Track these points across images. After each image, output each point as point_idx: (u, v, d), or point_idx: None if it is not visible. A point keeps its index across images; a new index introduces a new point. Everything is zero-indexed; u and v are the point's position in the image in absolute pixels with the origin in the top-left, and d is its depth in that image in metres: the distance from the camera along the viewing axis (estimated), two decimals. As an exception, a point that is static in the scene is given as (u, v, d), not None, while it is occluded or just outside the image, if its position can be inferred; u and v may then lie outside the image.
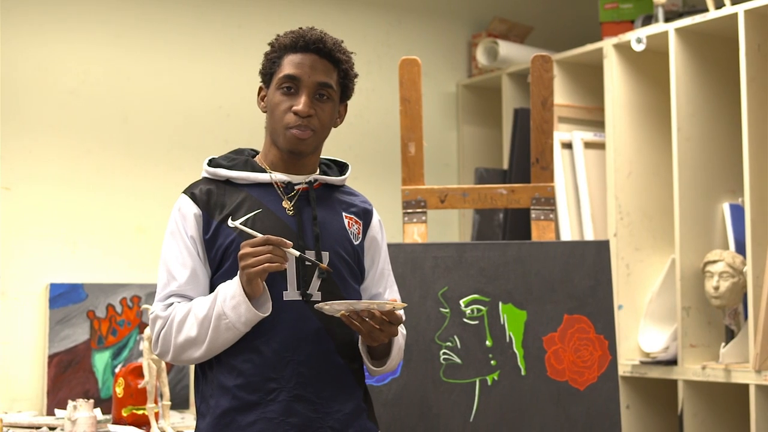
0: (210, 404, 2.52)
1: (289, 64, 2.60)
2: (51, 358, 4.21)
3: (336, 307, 2.46)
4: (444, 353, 3.24)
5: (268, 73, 2.64)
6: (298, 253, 2.49)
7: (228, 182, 2.61)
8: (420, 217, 3.53)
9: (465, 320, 3.26)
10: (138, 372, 3.76)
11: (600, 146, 4.68)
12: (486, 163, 5.18)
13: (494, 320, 3.27)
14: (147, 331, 3.61)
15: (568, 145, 4.70)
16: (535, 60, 3.55)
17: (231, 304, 2.44)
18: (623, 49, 4.53)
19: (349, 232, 2.66)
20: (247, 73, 4.77)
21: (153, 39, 4.57)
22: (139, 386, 3.69)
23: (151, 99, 4.55)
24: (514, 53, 5.07)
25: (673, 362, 4.23)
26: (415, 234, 3.49)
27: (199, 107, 4.66)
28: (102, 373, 4.29)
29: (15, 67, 4.29)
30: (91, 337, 4.29)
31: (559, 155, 4.63)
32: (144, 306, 3.83)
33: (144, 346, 3.61)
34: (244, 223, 2.52)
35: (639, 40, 4.41)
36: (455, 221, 5.24)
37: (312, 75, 2.59)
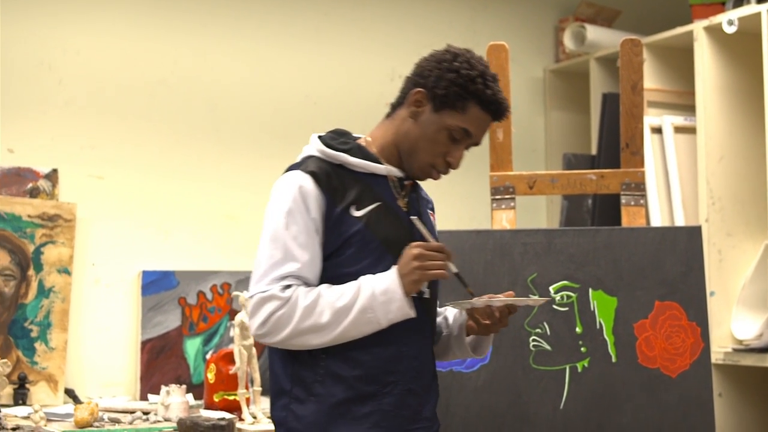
0: (315, 391, 2.48)
1: (473, 121, 2.53)
2: (144, 344, 4.28)
3: (477, 304, 2.52)
4: (533, 340, 3.23)
5: (446, 98, 2.52)
6: (456, 270, 2.52)
7: (341, 166, 2.55)
8: (508, 203, 3.51)
9: (555, 307, 3.24)
10: (229, 358, 3.81)
11: (691, 131, 4.61)
12: (574, 149, 5.14)
13: (584, 307, 3.24)
14: (238, 317, 3.65)
15: (657, 130, 4.64)
16: (624, 44, 3.51)
17: (382, 299, 2.43)
18: (714, 31, 4.45)
19: (434, 227, 2.70)
20: (333, 61, 4.80)
21: (240, 28, 4.61)
22: (230, 372, 3.74)
23: (238, 88, 4.60)
24: (602, 37, 5.01)
25: (766, 350, 4.16)
26: (504, 220, 3.48)
27: (287, 96, 4.69)
28: (193, 359, 4.35)
29: (106, 58, 4.36)
30: (182, 323, 4.35)
31: (648, 140, 4.57)
32: (234, 293, 3.87)
33: (235, 332, 3.65)
34: (368, 215, 2.50)
35: (730, 23, 4.34)
36: (543, 207, 5.20)
37: (481, 136, 2.57)
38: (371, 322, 2.43)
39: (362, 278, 2.46)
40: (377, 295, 2.43)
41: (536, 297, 2.51)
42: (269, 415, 3.72)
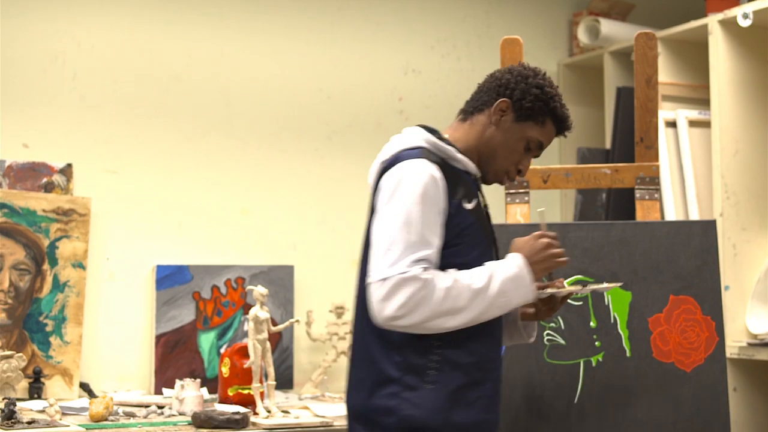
0: (430, 378, 2.56)
1: (546, 134, 2.75)
2: (158, 338, 4.29)
3: (563, 292, 2.75)
4: (548, 334, 3.23)
5: (531, 111, 2.71)
6: None
7: (444, 161, 2.64)
8: (522, 197, 3.51)
9: (569, 301, 3.23)
10: (243, 352, 3.81)
11: (705, 125, 4.60)
12: (588, 143, 5.13)
13: (598, 301, 3.24)
14: (252, 311, 3.65)
15: (672, 124, 4.63)
16: (638, 38, 3.51)
17: (513, 285, 2.56)
18: (729, 25, 4.43)
19: None
20: (347, 55, 4.80)
21: (254, 23, 4.61)
22: (245, 366, 3.74)
23: (252, 82, 4.60)
24: (616, 31, 5.00)
25: (781, 344, 4.15)
26: (518, 214, 3.48)
27: (301, 90, 4.69)
28: (207, 353, 4.36)
29: (120, 53, 4.37)
30: (196, 317, 4.36)
31: (663, 134, 4.56)
32: (248, 287, 3.88)
33: (249, 326, 3.65)
34: (475, 209, 2.63)
35: (745, 16, 4.32)
36: (557, 201, 5.20)
37: (545, 148, 2.81)
38: (502, 306, 2.56)
39: (489, 264, 2.58)
40: (509, 280, 2.55)
41: (608, 284, 2.84)
42: (282, 409, 3.73)
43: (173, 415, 3.65)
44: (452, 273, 2.52)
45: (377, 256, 2.51)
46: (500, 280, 2.54)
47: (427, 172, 2.54)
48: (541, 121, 2.71)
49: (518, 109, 2.70)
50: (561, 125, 2.76)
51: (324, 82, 4.73)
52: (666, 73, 4.69)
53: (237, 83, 4.57)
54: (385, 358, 2.57)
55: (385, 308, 2.47)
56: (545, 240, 2.64)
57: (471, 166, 2.68)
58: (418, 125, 2.72)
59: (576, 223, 3.44)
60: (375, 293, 2.48)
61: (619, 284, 2.95)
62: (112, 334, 4.28)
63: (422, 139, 2.65)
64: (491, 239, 2.70)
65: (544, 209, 2.73)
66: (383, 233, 2.52)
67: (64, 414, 3.58)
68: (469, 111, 2.75)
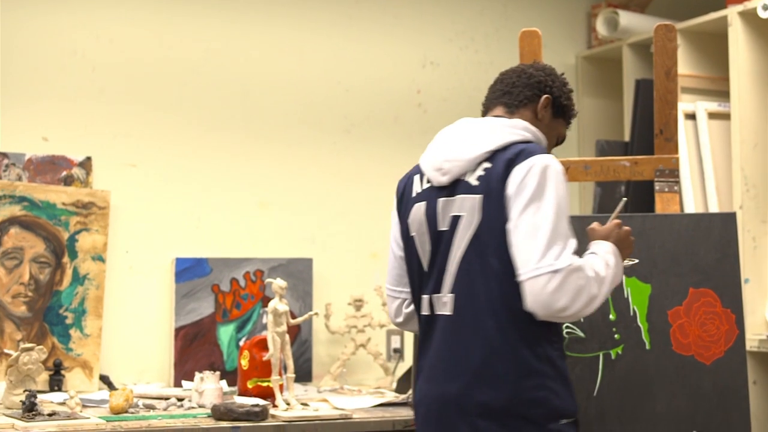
0: (559, 367, 2.69)
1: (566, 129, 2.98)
2: (177, 331, 4.30)
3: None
4: (567, 327, 3.22)
5: (566, 108, 2.93)
6: None
7: None
8: (541, 190, 3.50)
9: (588, 294, 3.23)
10: (262, 345, 3.82)
11: (725, 117, 4.58)
12: (606, 135, 5.11)
13: (618, 294, 3.23)
14: (271, 304, 3.65)
15: (691, 116, 4.61)
16: (658, 29, 3.49)
17: (616, 271, 2.74)
18: (749, 16, 4.41)
19: None
20: (365, 48, 4.79)
21: (271, 17, 4.62)
22: (264, 359, 3.75)
23: (270, 75, 4.60)
24: (635, 23, 4.98)
25: (801, 337, 4.14)
26: (537, 207, 3.47)
27: (318, 83, 4.69)
28: (227, 346, 4.37)
29: (138, 46, 4.38)
30: (215, 310, 4.37)
31: (682, 126, 4.55)
32: (267, 280, 3.88)
33: (268, 319, 3.66)
34: None
35: (765, 7, 4.30)
36: (576, 194, 5.19)
37: None
38: (610, 291, 2.73)
39: (598, 252, 2.75)
40: (615, 267, 2.74)
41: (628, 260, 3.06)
42: (301, 401, 3.73)
43: (193, 408, 3.66)
44: (585, 262, 2.65)
45: (540, 249, 2.58)
46: (612, 268, 2.71)
47: (560, 165, 2.68)
48: (568, 117, 2.92)
49: (556, 105, 2.88)
50: (570, 122, 2.96)
51: (342, 75, 4.73)
52: (685, 65, 4.67)
53: (255, 77, 4.58)
54: (527, 349, 2.64)
55: (558, 299, 2.57)
56: (627, 228, 2.85)
57: None
58: (498, 116, 2.85)
59: (594, 216, 3.42)
60: (546, 285, 2.56)
61: (636, 261, 3.14)
62: (131, 327, 4.30)
63: (530, 132, 2.77)
64: None
65: (626, 199, 2.95)
66: (541, 226, 2.59)
67: (84, 406, 3.60)
68: (513, 104, 2.86)
